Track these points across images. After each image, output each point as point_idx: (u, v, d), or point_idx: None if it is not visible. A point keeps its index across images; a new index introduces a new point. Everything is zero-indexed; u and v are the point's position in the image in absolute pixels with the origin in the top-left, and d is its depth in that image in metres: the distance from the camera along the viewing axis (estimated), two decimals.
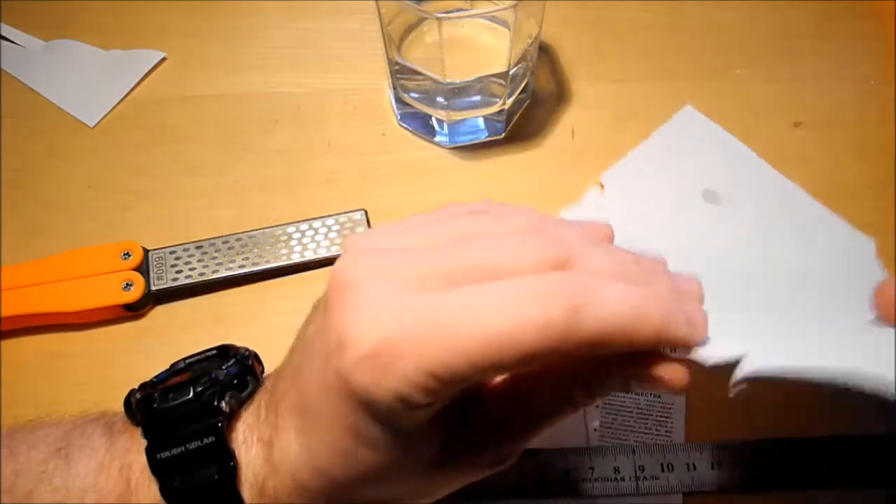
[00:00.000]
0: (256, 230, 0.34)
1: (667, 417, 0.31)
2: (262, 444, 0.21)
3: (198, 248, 0.34)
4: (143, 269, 0.33)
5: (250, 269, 0.33)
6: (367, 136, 0.38)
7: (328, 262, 0.34)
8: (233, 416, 0.22)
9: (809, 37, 0.42)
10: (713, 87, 0.40)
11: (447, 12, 0.31)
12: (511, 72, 0.35)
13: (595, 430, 0.30)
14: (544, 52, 0.41)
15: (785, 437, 0.30)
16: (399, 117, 0.39)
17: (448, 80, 0.34)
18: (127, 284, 0.32)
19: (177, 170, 0.37)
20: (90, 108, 0.39)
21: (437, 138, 0.38)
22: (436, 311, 0.18)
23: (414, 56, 0.36)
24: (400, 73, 0.36)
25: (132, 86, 0.40)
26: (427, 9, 0.32)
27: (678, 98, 0.40)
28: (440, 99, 0.36)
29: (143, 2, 0.43)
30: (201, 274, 0.33)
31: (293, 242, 0.34)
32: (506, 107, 0.37)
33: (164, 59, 0.41)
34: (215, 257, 0.34)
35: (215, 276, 0.33)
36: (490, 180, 0.37)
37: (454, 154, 0.38)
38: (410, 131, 0.39)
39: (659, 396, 0.31)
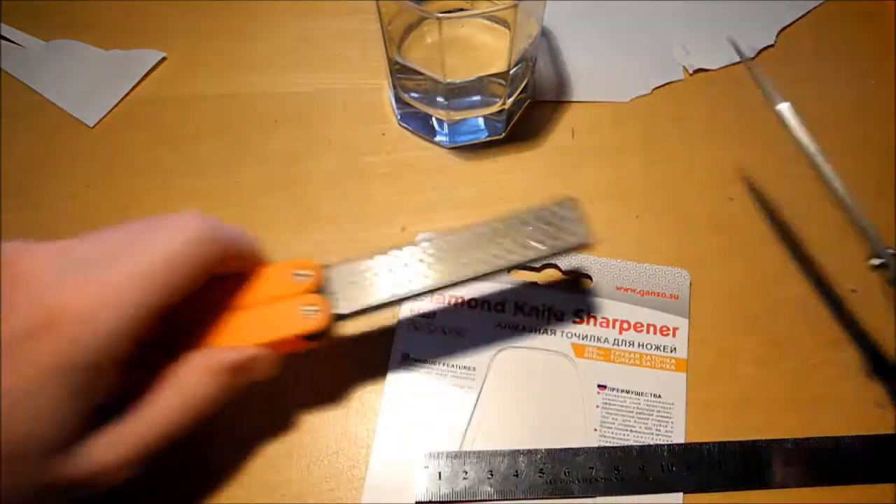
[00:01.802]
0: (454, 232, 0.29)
1: (667, 417, 0.31)
2: None
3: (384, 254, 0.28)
4: (323, 289, 0.28)
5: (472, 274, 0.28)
6: (367, 136, 0.38)
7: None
8: None
9: (809, 37, 0.42)
10: (712, 88, 0.40)
11: (447, 12, 0.31)
12: (511, 72, 0.35)
13: (595, 430, 0.30)
14: (545, 51, 0.41)
15: (785, 438, 0.30)
16: (399, 117, 0.39)
17: (448, 80, 0.34)
18: (309, 310, 0.26)
19: (177, 170, 0.37)
20: (90, 108, 0.39)
21: (437, 138, 0.38)
22: (109, 269, 0.22)
23: (414, 56, 0.36)
24: (400, 73, 0.36)
25: (132, 86, 0.40)
26: (427, 9, 0.32)
27: (678, 98, 0.40)
28: (440, 99, 0.36)
29: (143, 2, 0.43)
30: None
31: (504, 242, 0.29)
32: (506, 107, 0.37)
33: (164, 59, 0.41)
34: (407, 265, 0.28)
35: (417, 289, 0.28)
36: (490, 180, 0.37)
37: (454, 154, 0.38)
38: (410, 131, 0.39)
39: (659, 396, 0.31)
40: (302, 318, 0.26)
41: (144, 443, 0.23)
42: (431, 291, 0.28)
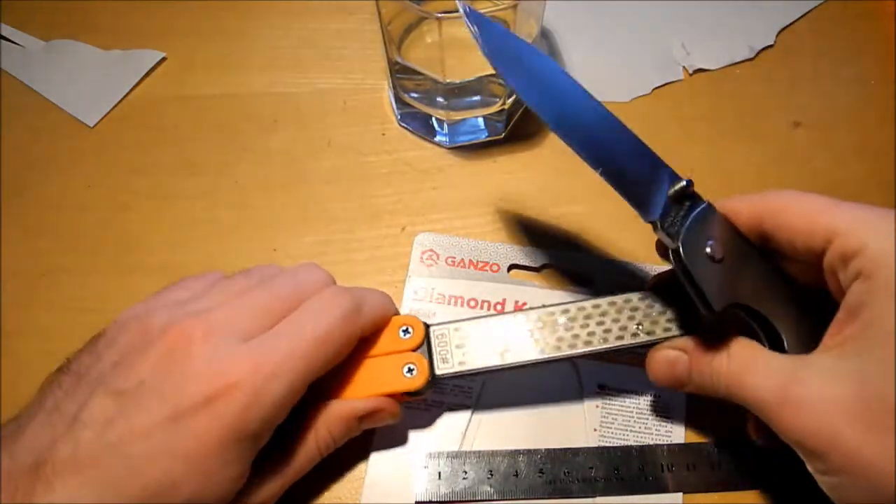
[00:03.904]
0: (577, 301, 0.29)
1: (667, 417, 0.31)
2: None
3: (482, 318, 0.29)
4: (423, 348, 0.29)
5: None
6: (367, 135, 0.38)
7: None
8: None
9: (809, 37, 0.42)
10: (712, 88, 0.40)
11: (447, 12, 0.31)
12: None
13: (595, 430, 0.30)
14: (545, 51, 0.41)
15: None
16: (399, 117, 0.39)
17: (448, 80, 0.34)
18: (409, 369, 0.28)
19: (177, 170, 0.37)
20: (90, 108, 0.39)
21: (437, 138, 0.38)
22: (274, 345, 0.24)
23: (414, 56, 0.36)
24: (400, 73, 0.36)
25: (132, 86, 0.40)
26: (427, 9, 0.32)
27: (678, 98, 0.40)
28: (440, 99, 0.36)
29: (143, 2, 0.43)
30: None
31: (632, 315, 0.28)
32: (506, 107, 0.37)
33: (164, 59, 0.41)
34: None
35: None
36: (490, 180, 0.37)
37: (454, 154, 0.38)
38: (410, 131, 0.39)
39: (659, 396, 0.31)
40: (403, 377, 0.28)
41: (290, 480, 0.26)
42: (528, 365, 0.28)
